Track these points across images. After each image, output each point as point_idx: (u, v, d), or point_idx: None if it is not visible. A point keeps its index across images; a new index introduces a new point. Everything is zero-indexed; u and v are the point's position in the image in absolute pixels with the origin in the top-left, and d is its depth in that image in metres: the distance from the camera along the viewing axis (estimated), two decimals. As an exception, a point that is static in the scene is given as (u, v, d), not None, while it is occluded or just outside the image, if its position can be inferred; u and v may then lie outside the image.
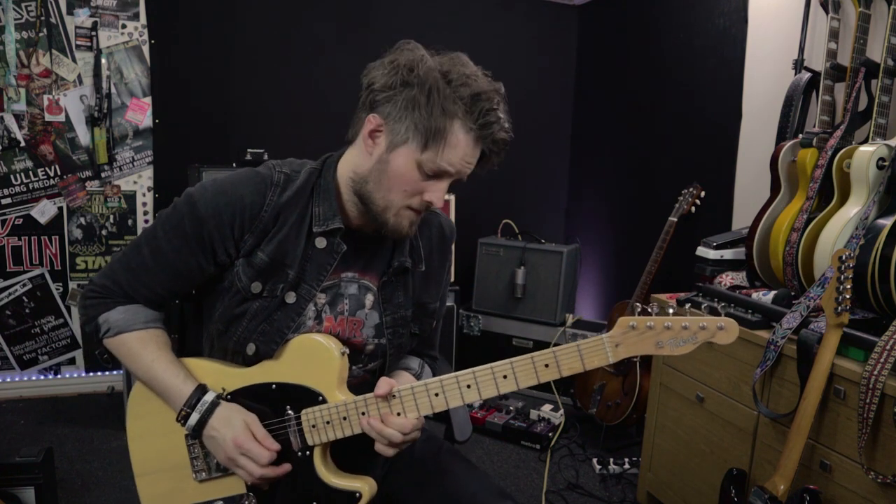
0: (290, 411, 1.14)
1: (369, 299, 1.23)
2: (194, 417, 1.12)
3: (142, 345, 1.17)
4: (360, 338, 1.23)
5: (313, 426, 1.13)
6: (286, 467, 1.13)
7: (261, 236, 1.14)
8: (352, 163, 1.16)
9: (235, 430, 1.11)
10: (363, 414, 1.10)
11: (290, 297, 1.16)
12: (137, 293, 1.18)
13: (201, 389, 1.14)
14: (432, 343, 1.42)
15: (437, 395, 1.07)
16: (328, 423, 1.12)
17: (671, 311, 0.98)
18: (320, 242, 1.16)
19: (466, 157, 1.10)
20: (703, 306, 1.01)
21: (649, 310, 1.00)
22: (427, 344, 1.40)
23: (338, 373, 1.13)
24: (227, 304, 1.16)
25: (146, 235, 1.17)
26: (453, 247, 1.39)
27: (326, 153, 1.23)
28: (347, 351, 1.16)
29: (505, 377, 1.04)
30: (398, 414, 1.09)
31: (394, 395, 1.09)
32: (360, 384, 1.22)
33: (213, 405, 1.13)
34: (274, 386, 1.15)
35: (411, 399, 1.08)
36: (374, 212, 1.14)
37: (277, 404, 1.14)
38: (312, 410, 1.13)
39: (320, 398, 1.13)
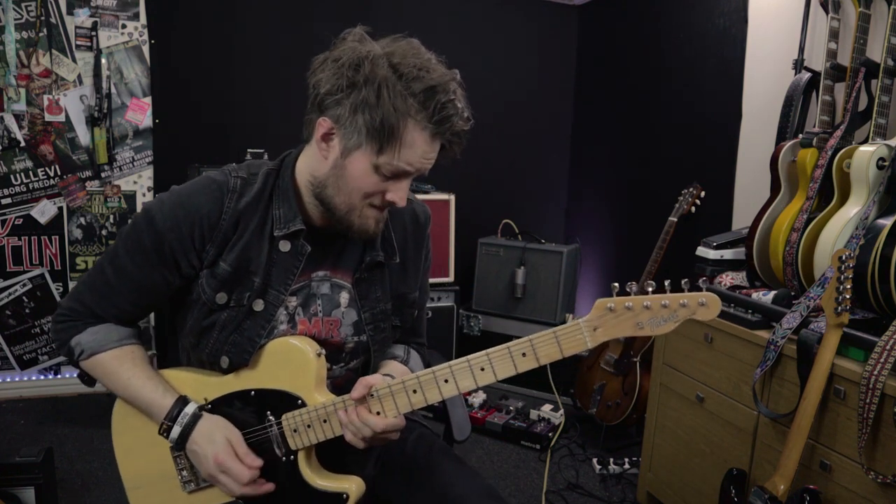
0: (270, 417, 1.13)
1: (344, 297, 1.21)
2: (176, 430, 1.11)
3: (117, 363, 1.16)
4: (339, 337, 1.21)
5: (294, 430, 1.11)
6: (269, 486, 1.12)
7: (222, 245, 1.12)
8: (309, 165, 1.13)
9: (216, 446, 1.10)
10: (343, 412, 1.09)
11: (258, 305, 1.14)
12: (105, 312, 1.17)
13: (182, 401, 1.13)
14: (418, 331, 1.40)
15: (415, 391, 1.05)
16: (309, 426, 1.11)
17: (650, 289, 0.94)
18: (284, 246, 1.14)
19: (425, 154, 1.05)
20: (683, 281, 0.97)
21: (627, 290, 0.97)
22: (413, 332, 1.38)
23: (315, 374, 1.12)
24: (195, 316, 1.15)
25: (108, 255, 1.16)
26: (429, 232, 1.35)
27: (285, 151, 1.20)
28: (323, 351, 1.14)
29: (482, 369, 1.01)
30: (377, 413, 1.07)
31: (371, 395, 1.07)
32: (344, 383, 1.21)
33: (195, 417, 1.12)
34: (253, 392, 1.14)
35: (390, 398, 1.06)
36: (336, 216, 1.11)
37: (258, 411, 1.14)
38: (293, 415, 1.11)
39: (299, 401, 1.11)
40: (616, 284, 0.98)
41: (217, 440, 1.10)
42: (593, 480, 2.55)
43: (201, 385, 1.17)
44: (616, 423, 2.75)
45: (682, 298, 0.94)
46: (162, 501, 1.20)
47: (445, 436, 1.44)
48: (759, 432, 1.81)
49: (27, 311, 3.09)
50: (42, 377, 3.15)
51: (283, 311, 1.16)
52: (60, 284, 3.14)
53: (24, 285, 3.08)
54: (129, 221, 1.15)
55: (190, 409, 1.12)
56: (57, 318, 1.18)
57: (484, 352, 1.01)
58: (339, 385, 1.17)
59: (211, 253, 1.12)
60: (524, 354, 0.99)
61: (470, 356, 1.02)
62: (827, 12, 2.10)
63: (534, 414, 2.97)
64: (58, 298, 3.13)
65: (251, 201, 1.13)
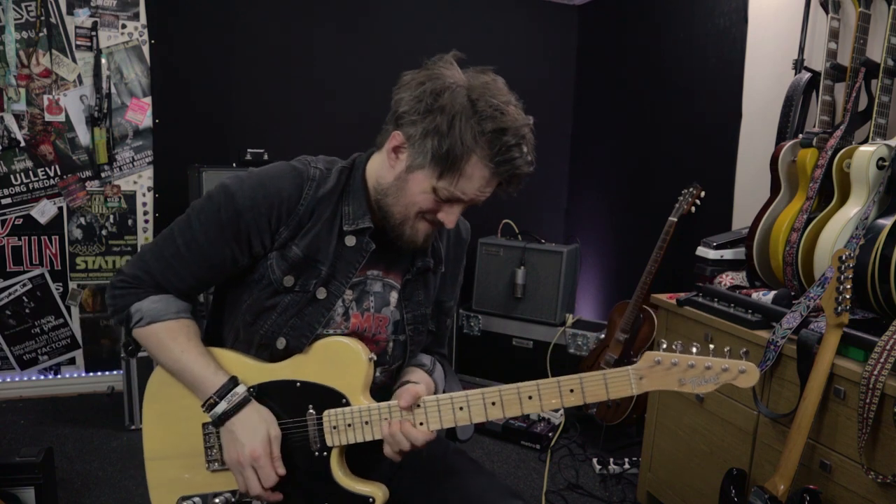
0: (312, 410, 1.14)
1: (394, 297, 1.26)
2: (222, 406, 1.12)
3: (172, 335, 1.17)
4: (384, 334, 1.25)
5: (334, 427, 1.13)
6: (278, 496, 1.14)
7: (296, 230, 1.15)
8: (377, 171, 1.19)
9: (256, 440, 1.11)
10: (385, 419, 1.11)
11: (322, 293, 1.17)
12: (169, 283, 1.18)
13: (234, 381, 1.15)
14: (443, 341, 1.44)
15: (461, 408, 1.09)
16: (349, 425, 1.13)
17: (694, 349, 1.02)
18: (350, 241, 1.18)
19: (481, 188, 1.10)
20: (726, 349, 1.03)
21: (674, 347, 1.02)
22: (438, 342, 1.42)
23: (363, 378, 1.14)
24: (256, 295, 1.17)
25: (179, 226, 1.17)
26: (467, 247, 1.42)
27: (338, 158, 1.24)
28: (374, 357, 1.18)
29: (530, 398, 1.06)
30: (420, 424, 1.11)
31: (418, 406, 1.10)
32: (379, 389, 1.23)
33: (245, 400, 1.14)
34: (299, 384, 1.16)
35: (436, 411, 1.10)
36: (391, 223, 1.16)
37: (300, 403, 1.15)
38: (335, 412, 1.13)
39: (343, 400, 1.14)
40: (663, 341, 1.05)
41: (259, 433, 1.12)
42: (593, 480, 2.55)
43: (248, 368, 1.18)
44: (616, 423, 2.75)
45: (725, 364, 1.01)
46: (179, 476, 1.20)
47: (447, 435, 1.45)
48: (759, 432, 1.81)
49: (27, 311, 3.09)
50: (42, 377, 3.16)
51: (340, 303, 1.19)
52: (60, 284, 3.14)
53: (24, 285, 3.08)
54: (205, 196, 1.17)
55: (241, 389, 1.14)
56: (117, 284, 1.19)
57: (534, 382, 1.06)
58: (374, 391, 1.19)
59: (283, 236, 1.15)
60: (572, 391, 1.05)
61: (521, 385, 1.06)
62: (827, 12, 2.11)
63: (534, 414, 2.97)
64: (58, 298, 3.13)
65: (327, 193, 1.17)
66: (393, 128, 1.12)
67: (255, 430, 1.12)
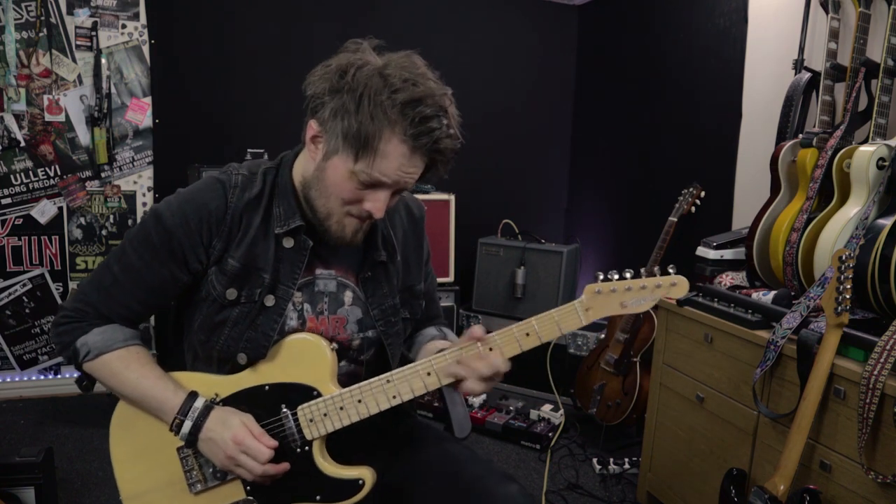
0: (285, 409, 1.14)
1: (348, 296, 1.23)
2: (187, 425, 1.11)
3: (125, 364, 1.16)
4: (345, 334, 1.24)
5: (311, 420, 1.13)
6: (285, 465, 1.13)
7: (228, 240, 1.14)
8: (303, 165, 1.17)
9: (233, 428, 1.10)
10: (359, 401, 1.11)
11: (269, 300, 1.16)
12: (112, 312, 1.17)
13: (192, 396, 1.13)
14: (437, 313, 1.43)
15: (527, 334, 1.11)
16: (325, 415, 1.13)
17: (628, 275, 1.10)
18: (287, 242, 1.16)
19: (403, 167, 1.05)
20: (656, 268, 1.16)
21: (609, 277, 1.10)
22: (433, 317, 1.41)
23: (330, 367, 1.15)
24: (205, 313, 1.16)
25: (115, 255, 1.17)
26: (424, 225, 1.38)
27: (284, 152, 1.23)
28: (336, 346, 1.18)
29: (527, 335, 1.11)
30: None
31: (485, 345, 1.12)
32: (349, 379, 1.22)
33: (207, 409, 1.13)
34: (267, 387, 1.15)
35: (506, 337, 1.12)
36: (317, 218, 1.14)
37: (272, 404, 1.15)
38: (308, 405, 1.13)
39: (315, 392, 1.14)
40: (600, 273, 1.11)
41: (232, 423, 1.11)
42: (593, 480, 2.55)
43: (212, 384, 1.18)
44: (616, 423, 2.75)
45: (657, 280, 1.10)
46: None
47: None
48: (759, 432, 1.81)
49: (27, 311, 3.09)
50: (42, 377, 3.16)
51: (291, 307, 1.18)
52: (60, 284, 3.14)
53: (24, 285, 3.08)
54: (137, 223, 1.17)
55: (199, 402, 1.13)
56: (60, 321, 1.18)
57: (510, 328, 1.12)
58: (344, 383, 1.18)
59: (217, 248, 1.14)
60: (527, 335, 1.11)
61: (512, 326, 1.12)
62: (827, 12, 2.11)
63: (534, 414, 2.97)
64: (58, 298, 3.13)
65: (253, 198, 1.16)
66: (309, 117, 1.08)
67: (227, 423, 1.11)
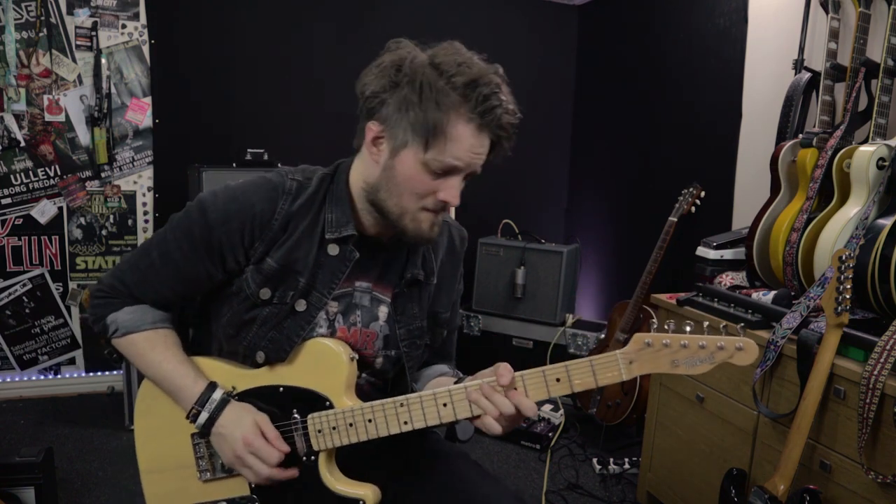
0: (296, 415, 1.13)
1: (383, 311, 1.22)
2: (203, 416, 1.11)
3: (150, 345, 1.17)
4: (372, 350, 1.22)
5: (319, 431, 1.12)
6: (293, 472, 1.11)
7: (270, 244, 1.13)
8: (362, 172, 1.14)
9: (245, 428, 1.10)
10: (370, 421, 1.09)
11: (301, 305, 1.14)
12: (144, 295, 1.18)
13: (211, 387, 1.13)
14: (450, 354, 1.40)
15: (558, 380, 1.00)
16: (334, 428, 1.11)
17: (688, 328, 0.96)
18: (332, 249, 1.15)
19: (473, 147, 1.06)
20: (722, 325, 0.98)
21: (666, 327, 0.97)
22: (445, 356, 1.38)
23: (346, 378, 1.12)
24: (235, 309, 1.16)
25: (157, 238, 1.17)
26: (463, 256, 1.37)
27: (339, 158, 1.21)
28: (356, 356, 1.15)
29: (558, 380, 1.01)
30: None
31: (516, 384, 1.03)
32: (370, 391, 1.22)
33: (223, 402, 1.12)
34: (282, 389, 1.15)
35: (535, 380, 1.02)
36: (391, 220, 1.11)
37: (284, 407, 1.14)
38: (319, 415, 1.12)
39: (327, 403, 1.12)
40: (655, 321, 0.99)
41: (245, 422, 1.11)
42: (593, 480, 2.55)
43: (232, 375, 1.18)
44: (616, 423, 2.75)
45: (720, 341, 0.94)
46: (174, 488, 1.20)
47: (447, 435, 1.44)
48: (759, 432, 1.81)
49: (27, 311, 3.09)
50: (42, 377, 3.15)
51: (323, 315, 1.16)
52: (60, 284, 3.14)
53: (24, 285, 3.08)
54: (183, 209, 1.16)
55: (218, 395, 1.13)
56: (96, 294, 1.19)
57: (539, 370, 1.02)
58: (365, 392, 1.18)
59: (259, 250, 1.13)
60: (558, 380, 1.00)
61: (545, 367, 1.02)
62: (827, 12, 2.11)
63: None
64: (58, 298, 3.13)
65: (304, 203, 1.14)
66: (367, 121, 1.08)
67: (240, 421, 1.11)
